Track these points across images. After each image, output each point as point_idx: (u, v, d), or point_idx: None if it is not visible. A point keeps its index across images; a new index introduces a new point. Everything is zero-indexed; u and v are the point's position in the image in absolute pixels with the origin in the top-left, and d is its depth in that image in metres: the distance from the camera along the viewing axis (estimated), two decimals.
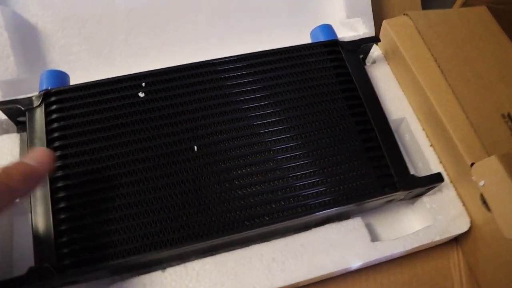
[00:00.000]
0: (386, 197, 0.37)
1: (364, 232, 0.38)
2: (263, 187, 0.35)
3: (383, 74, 0.47)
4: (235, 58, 0.41)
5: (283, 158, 0.37)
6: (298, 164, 0.37)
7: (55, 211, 0.33)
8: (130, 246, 0.32)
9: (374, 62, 0.49)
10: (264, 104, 0.39)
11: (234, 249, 0.37)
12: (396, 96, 0.46)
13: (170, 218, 0.33)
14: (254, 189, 0.35)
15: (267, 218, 0.34)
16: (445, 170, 0.42)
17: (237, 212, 0.34)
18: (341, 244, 0.37)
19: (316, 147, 0.38)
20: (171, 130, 0.37)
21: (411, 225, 0.42)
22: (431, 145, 0.44)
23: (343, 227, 0.38)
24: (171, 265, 0.36)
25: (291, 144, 0.37)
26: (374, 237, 0.39)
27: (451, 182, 0.42)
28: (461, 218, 0.40)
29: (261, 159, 0.36)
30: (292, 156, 0.37)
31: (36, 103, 0.37)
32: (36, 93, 0.38)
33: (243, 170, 0.36)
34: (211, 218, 0.34)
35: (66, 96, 0.37)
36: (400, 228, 0.42)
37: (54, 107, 0.37)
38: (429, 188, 0.40)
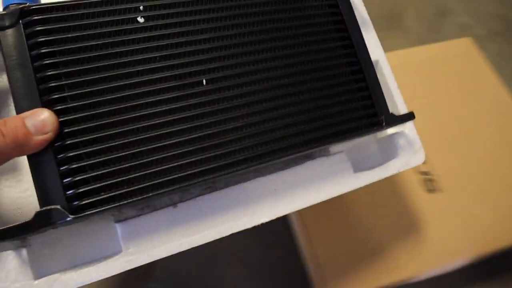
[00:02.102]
0: (370, 133, 0.41)
1: (349, 165, 0.42)
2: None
3: None
4: None
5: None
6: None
7: (58, 151, 0.30)
8: (143, 184, 0.31)
9: None
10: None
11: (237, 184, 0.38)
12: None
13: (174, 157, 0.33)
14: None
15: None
16: None
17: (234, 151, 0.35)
18: (330, 176, 0.41)
19: (306, 81, 0.39)
20: (178, 61, 0.34)
21: (376, 157, 0.47)
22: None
23: (331, 161, 0.42)
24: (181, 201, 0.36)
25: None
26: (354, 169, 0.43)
27: None
28: (420, 152, 0.46)
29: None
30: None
31: (8, 21, 0.31)
32: None
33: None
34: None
35: (53, 16, 0.32)
36: (368, 160, 0.47)
37: (38, 28, 0.31)
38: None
